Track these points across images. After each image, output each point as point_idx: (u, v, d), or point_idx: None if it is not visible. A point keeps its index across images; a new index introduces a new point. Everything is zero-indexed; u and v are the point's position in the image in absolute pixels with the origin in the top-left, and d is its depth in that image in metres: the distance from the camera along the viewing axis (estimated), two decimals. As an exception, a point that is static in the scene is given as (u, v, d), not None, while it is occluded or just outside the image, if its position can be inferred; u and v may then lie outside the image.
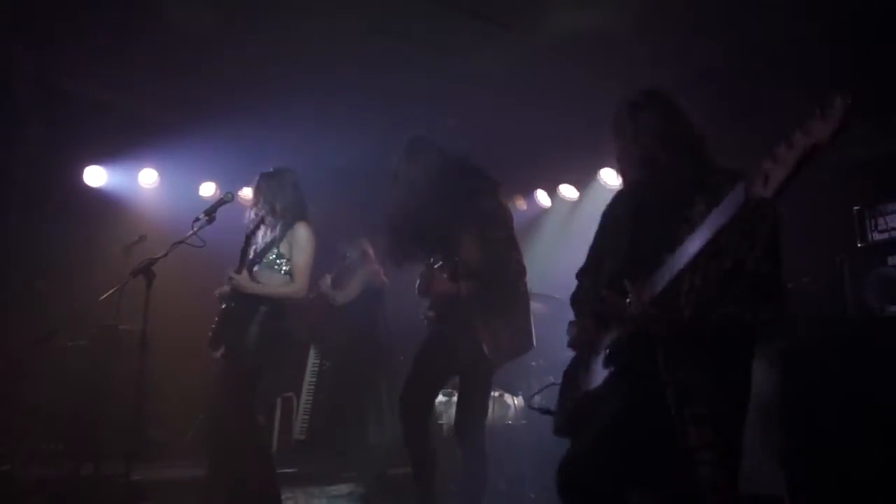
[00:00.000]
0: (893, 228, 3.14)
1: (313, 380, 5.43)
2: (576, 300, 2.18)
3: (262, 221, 3.36)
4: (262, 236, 3.38)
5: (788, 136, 1.30)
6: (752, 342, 1.79)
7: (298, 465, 4.80)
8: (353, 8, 3.88)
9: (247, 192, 5.73)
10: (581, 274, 2.21)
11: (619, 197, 2.09)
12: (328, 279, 4.89)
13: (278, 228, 3.32)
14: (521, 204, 6.19)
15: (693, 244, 1.57)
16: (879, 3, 3.51)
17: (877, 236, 3.20)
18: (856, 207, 3.29)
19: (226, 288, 3.32)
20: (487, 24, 4.04)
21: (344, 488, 4.25)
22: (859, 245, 3.25)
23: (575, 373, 2.01)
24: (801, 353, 3.02)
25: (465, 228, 2.92)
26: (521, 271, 3.02)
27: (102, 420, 4.01)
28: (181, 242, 3.17)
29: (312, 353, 5.50)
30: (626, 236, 1.93)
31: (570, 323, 2.07)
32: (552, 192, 6.05)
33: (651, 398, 1.70)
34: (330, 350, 5.36)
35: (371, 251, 5.00)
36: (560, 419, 2.02)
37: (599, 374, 1.83)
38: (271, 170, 3.43)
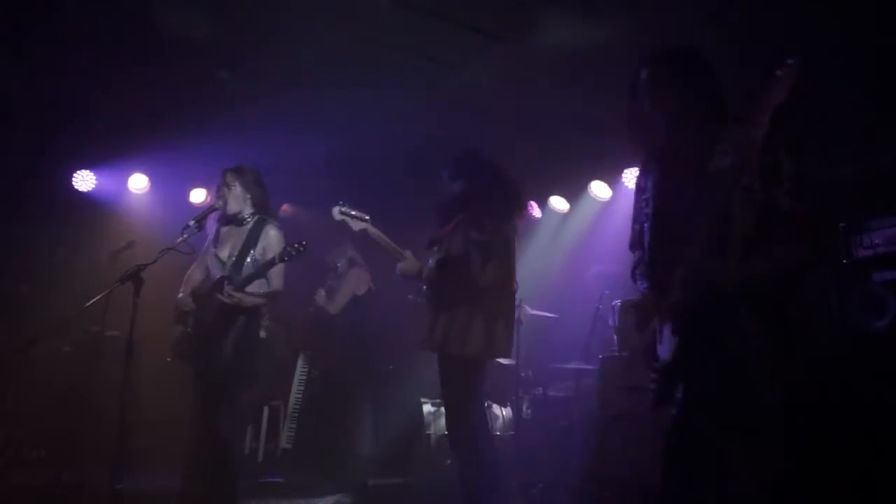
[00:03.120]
0: (878, 245, 3.18)
1: (301, 388, 5.40)
2: (633, 274, 2.16)
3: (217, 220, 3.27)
4: (230, 243, 3.29)
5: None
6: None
7: (284, 474, 4.76)
8: (347, 18, 3.90)
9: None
10: (631, 247, 2.18)
11: (647, 164, 2.08)
12: (322, 293, 4.88)
13: (246, 230, 3.25)
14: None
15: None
16: (870, 19, 3.57)
17: (862, 252, 3.24)
18: (841, 224, 3.33)
19: (188, 299, 3.26)
20: (482, 36, 4.06)
21: (330, 498, 4.22)
22: (844, 261, 3.29)
23: (654, 345, 1.98)
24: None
25: (459, 223, 3.04)
26: (483, 278, 2.94)
27: (86, 427, 3.96)
28: (170, 249, 3.15)
29: (300, 361, 5.46)
30: (653, 204, 1.95)
31: (623, 303, 2.10)
32: (542, 204, 6.08)
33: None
34: (318, 359, 5.33)
35: (358, 256, 4.98)
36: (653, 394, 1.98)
37: (669, 342, 1.82)
38: (235, 166, 3.35)
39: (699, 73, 1.94)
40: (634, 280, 2.14)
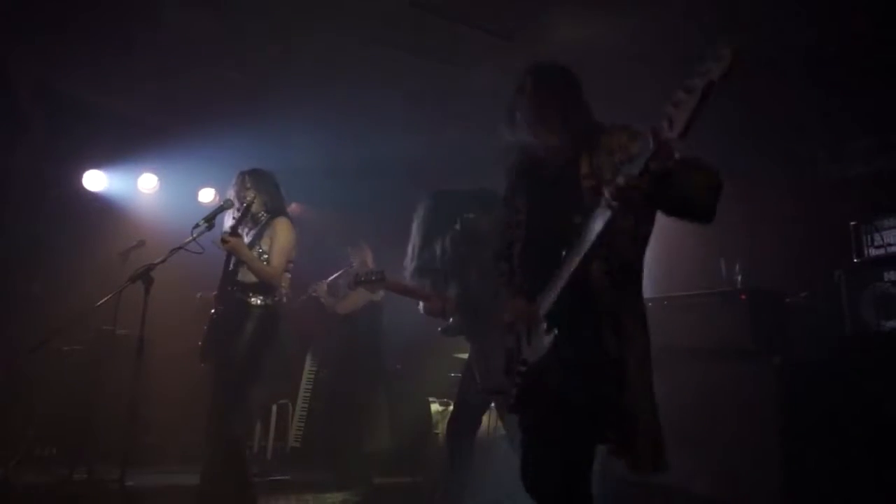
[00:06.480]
0: (889, 244, 3.16)
1: (309, 387, 5.42)
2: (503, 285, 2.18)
3: (241, 220, 3.30)
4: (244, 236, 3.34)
5: (684, 82, 1.42)
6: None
7: (293, 472, 4.78)
8: (355, 16, 3.90)
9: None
10: (499, 259, 2.20)
11: (518, 171, 2.12)
12: (324, 285, 4.85)
13: (258, 227, 3.30)
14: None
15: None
16: (881, 20, 3.54)
17: (873, 252, 3.23)
18: (852, 223, 3.31)
19: (207, 293, 3.30)
20: (491, 36, 4.05)
21: (338, 496, 4.23)
22: (856, 260, 3.27)
23: (518, 351, 2.03)
24: (798, 369, 3.03)
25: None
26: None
27: (97, 425, 3.99)
28: (180, 248, 3.17)
29: (308, 360, 5.48)
30: (526, 224, 2.01)
31: (503, 308, 2.12)
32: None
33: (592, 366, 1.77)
34: (327, 358, 5.34)
35: (370, 259, 4.97)
36: (510, 398, 2.03)
37: (543, 342, 1.86)
38: (252, 168, 3.41)
39: (577, 88, 2.01)
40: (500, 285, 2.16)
